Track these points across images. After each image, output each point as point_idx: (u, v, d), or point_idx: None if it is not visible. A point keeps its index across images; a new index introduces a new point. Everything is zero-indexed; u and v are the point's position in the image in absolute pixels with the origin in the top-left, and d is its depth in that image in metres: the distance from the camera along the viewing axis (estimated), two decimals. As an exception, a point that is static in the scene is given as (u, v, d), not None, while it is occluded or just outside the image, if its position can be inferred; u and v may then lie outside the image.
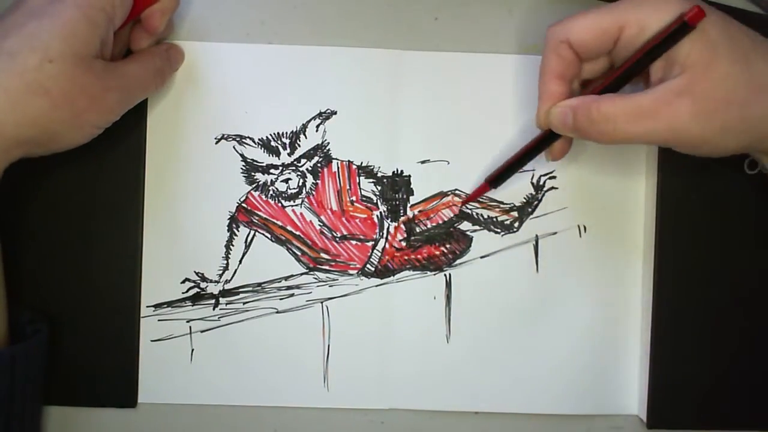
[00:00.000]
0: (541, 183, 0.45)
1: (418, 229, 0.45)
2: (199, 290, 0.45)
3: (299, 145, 0.45)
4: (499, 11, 0.46)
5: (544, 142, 0.41)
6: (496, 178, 0.43)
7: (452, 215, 0.45)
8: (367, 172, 0.45)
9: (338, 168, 0.45)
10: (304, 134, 0.45)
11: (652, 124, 0.36)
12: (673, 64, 0.36)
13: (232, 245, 0.45)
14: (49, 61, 0.36)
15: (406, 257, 0.45)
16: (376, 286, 0.45)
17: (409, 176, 0.45)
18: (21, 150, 0.38)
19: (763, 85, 0.36)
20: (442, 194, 0.45)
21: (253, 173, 0.45)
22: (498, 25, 0.45)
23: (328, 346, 0.45)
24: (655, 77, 0.38)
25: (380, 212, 0.45)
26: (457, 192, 0.45)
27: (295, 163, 0.45)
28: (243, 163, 0.45)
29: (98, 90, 0.38)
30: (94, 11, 0.37)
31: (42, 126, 0.37)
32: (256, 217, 0.45)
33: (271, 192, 0.45)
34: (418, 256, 0.45)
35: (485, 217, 0.45)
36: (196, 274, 0.45)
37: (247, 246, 0.45)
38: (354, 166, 0.45)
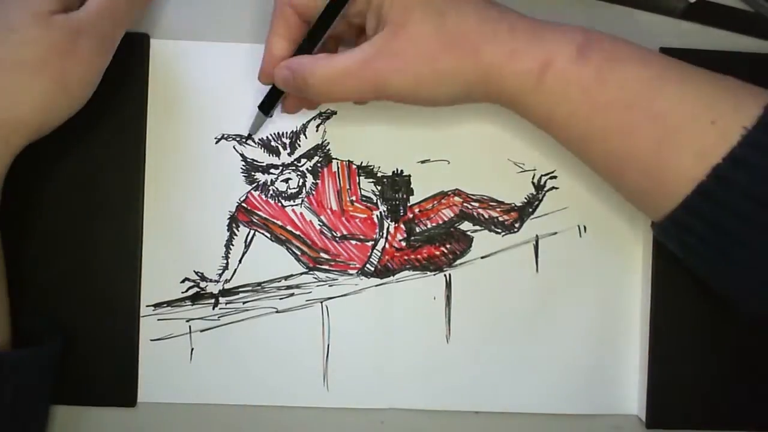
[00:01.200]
0: (542, 183, 0.45)
1: (418, 229, 0.45)
2: (198, 290, 0.45)
3: (299, 145, 0.45)
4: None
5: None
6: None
7: (452, 215, 0.45)
8: (367, 172, 0.45)
9: (338, 168, 0.45)
10: (304, 134, 0.45)
11: (358, 83, 0.37)
12: (379, 21, 0.37)
13: (232, 245, 0.45)
14: (11, 31, 0.36)
15: (406, 257, 0.45)
16: (376, 286, 0.45)
17: (409, 176, 0.45)
18: (20, 136, 0.38)
19: (452, 40, 0.37)
20: (443, 194, 0.45)
21: (253, 173, 0.45)
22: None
23: (328, 345, 0.45)
24: (369, 32, 0.39)
25: (380, 212, 0.45)
26: (458, 192, 0.45)
27: (295, 163, 0.45)
28: (243, 163, 0.45)
29: (67, 43, 0.37)
30: None
31: (29, 100, 0.37)
32: (256, 217, 0.45)
33: (271, 192, 0.45)
34: (418, 256, 0.45)
35: (486, 217, 0.45)
36: (196, 273, 0.45)
37: (247, 246, 0.45)
38: (354, 166, 0.45)
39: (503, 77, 0.37)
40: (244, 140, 0.45)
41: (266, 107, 0.42)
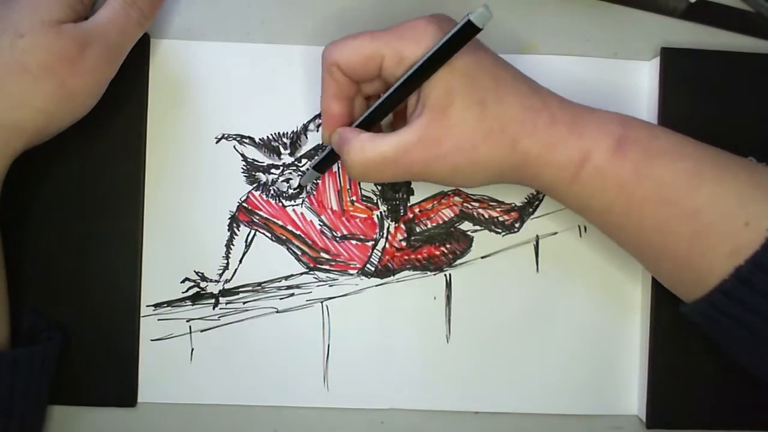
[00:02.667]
0: (542, 183, 0.45)
1: (418, 229, 0.45)
2: (199, 290, 0.45)
3: (300, 145, 0.45)
4: (499, 11, 0.45)
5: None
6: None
7: (453, 215, 0.45)
8: (368, 171, 0.45)
9: (338, 168, 0.45)
10: (305, 134, 0.45)
11: (394, 170, 0.38)
12: (419, 102, 0.37)
13: (233, 245, 0.45)
14: (20, 36, 0.36)
15: (406, 257, 0.45)
16: (376, 285, 0.45)
17: (410, 176, 0.45)
18: (20, 139, 0.38)
19: (491, 130, 0.37)
20: (443, 194, 0.45)
21: (253, 173, 0.45)
22: (498, 25, 0.45)
23: (328, 345, 0.45)
24: (409, 110, 0.38)
25: (380, 212, 0.45)
26: (458, 192, 0.45)
27: (295, 162, 0.45)
28: (244, 163, 0.45)
29: (74, 52, 0.37)
30: None
31: (32, 105, 0.37)
32: (257, 217, 0.45)
33: (271, 192, 0.45)
34: (419, 256, 0.45)
35: (486, 217, 0.45)
36: (196, 273, 0.45)
37: (248, 245, 0.45)
38: (354, 166, 0.45)
39: (540, 168, 0.37)
40: (244, 140, 0.45)
41: (322, 167, 0.43)
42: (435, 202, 0.45)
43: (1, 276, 0.40)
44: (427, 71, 0.36)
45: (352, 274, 0.45)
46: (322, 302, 0.45)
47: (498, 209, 0.45)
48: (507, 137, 0.37)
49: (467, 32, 0.35)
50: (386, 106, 0.38)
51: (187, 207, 0.45)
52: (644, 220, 0.37)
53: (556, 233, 0.46)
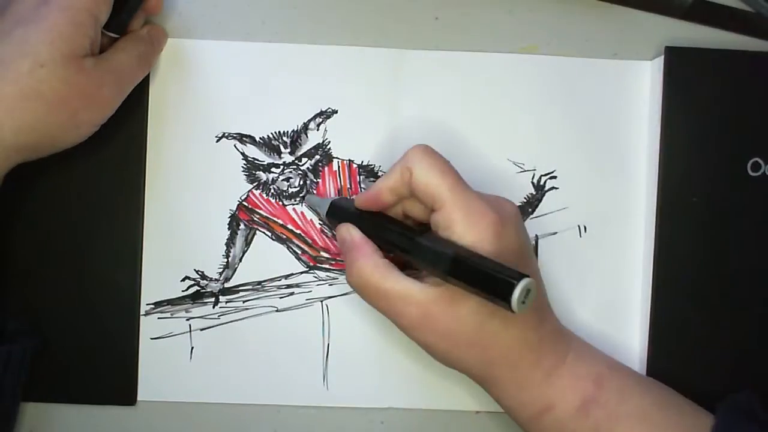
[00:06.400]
0: (542, 183, 0.45)
1: (418, 229, 0.45)
2: (199, 288, 0.45)
3: (300, 144, 0.45)
4: (499, 11, 0.46)
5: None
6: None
7: (453, 214, 0.45)
8: (368, 171, 0.45)
9: (339, 167, 0.45)
10: (305, 133, 0.45)
11: (384, 305, 0.39)
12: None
13: (233, 243, 0.45)
14: (40, 65, 0.36)
15: (406, 256, 0.45)
16: (376, 285, 0.45)
17: (410, 175, 0.45)
18: (20, 155, 0.38)
19: (480, 343, 0.37)
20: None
21: (254, 172, 0.45)
22: (498, 25, 0.46)
23: (328, 345, 0.45)
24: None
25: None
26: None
27: (296, 161, 0.45)
28: (244, 162, 0.45)
29: (92, 88, 0.38)
30: (78, 12, 0.37)
31: (40, 130, 0.37)
32: (257, 216, 0.45)
33: (272, 190, 0.45)
34: (419, 256, 0.45)
35: (486, 216, 0.45)
36: (197, 272, 0.45)
37: (248, 244, 0.45)
38: (354, 165, 0.45)
39: (504, 397, 0.39)
40: (244, 139, 0.45)
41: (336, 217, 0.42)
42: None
43: None
44: (452, 274, 0.35)
45: (352, 274, 0.45)
46: (322, 301, 0.45)
47: (498, 209, 0.45)
48: (489, 359, 0.38)
49: (503, 300, 0.33)
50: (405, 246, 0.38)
51: (187, 206, 0.45)
52: None
53: (556, 233, 0.45)
